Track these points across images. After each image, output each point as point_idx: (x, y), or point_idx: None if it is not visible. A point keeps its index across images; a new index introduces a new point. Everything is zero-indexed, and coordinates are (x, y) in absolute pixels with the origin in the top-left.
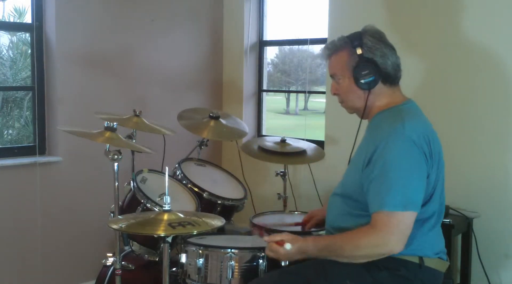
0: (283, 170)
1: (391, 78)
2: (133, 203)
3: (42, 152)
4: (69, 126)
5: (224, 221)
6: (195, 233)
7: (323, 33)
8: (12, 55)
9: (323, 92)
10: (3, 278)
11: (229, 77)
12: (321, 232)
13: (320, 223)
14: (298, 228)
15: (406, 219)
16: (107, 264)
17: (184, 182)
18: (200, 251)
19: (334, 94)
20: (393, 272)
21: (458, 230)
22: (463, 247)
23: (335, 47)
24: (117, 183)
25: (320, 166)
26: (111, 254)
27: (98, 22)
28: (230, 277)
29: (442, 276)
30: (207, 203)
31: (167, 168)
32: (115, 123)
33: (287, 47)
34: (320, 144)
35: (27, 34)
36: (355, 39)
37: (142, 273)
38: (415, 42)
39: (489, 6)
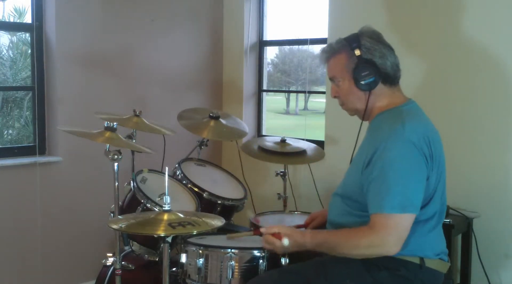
0: (283, 170)
1: (391, 78)
2: (133, 203)
3: (42, 152)
4: (69, 126)
5: (224, 221)
6: (195, 233)
7: (323, 33)
8: (12, 55)
9: (323, 92)
10: (3, 278)
11: (229, 77)
12: None
13: (322, 225)
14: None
15: (404, 221)
16: (107, 264)
17: (184, 182)
18: (200, 251)
19: (335, 97)
20: (393, 272)
21: (458, 230)
22: (463, 247)
23: (333, 50)
24: (117, 183)
25: (320, 166)
26: (111, 254)
27: (98, 22)
28: (230, 277)
29: (442, 277)
30: (207, 203)
31: (167, 168)
32: (115, 123)
33: (287, 47)
34: (320, 144)
35: (27, 34)
36: (353, 41)
37: (142, 273)
38: (415, 42)
39: (489, 6)
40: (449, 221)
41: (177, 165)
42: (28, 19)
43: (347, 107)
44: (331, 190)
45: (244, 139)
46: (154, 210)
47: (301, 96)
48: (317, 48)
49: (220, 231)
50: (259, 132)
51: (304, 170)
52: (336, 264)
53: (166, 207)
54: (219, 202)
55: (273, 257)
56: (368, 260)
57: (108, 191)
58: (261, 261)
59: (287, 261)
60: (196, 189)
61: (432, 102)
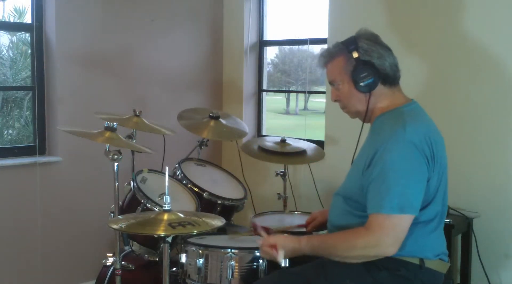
0: (283, 170)
1: (391, 78)
2: (133, 203)
3: (42, 152)
4: (69, 126)
5: (224, 221)
6: (195, 233)
7: (323, 33)
8: (12, 55)
9: (323, 92)
10: (3, 278)
11: (229, 77)
12: (321, 232)
13: (322, 225)
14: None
15: (402, 222)
16: (107, 264)
17: (184, 182)
18: (200, 251)
19: (335, 101)
20: (393, 272)
21: (458, 230)
22: (463, 247)
23: (331, 54)
24: (117, 183)
25: (320, 166)
26: (111, 254)
27: (98, 22)
28: (230, 277)
29: (442, 277)
30: (207, 203)
31: (167, 168)
32: (115, 123)
33: (287, 47)
34: (320, 144)
35: (27, 34)
36: (350, 44)
37: (142, 273)
38: (415, 42)
39: (490, 6)
40: (449, 221)
41: (177, 165)
42: (28, 19)
43: (348, 110)
44: (331, 190)
45: (244, 140)
46: (154, 210)
47: (301, 96)
48: (317, 48)
49: (220, 231)
50: (259, 132)
51: (304, 170)
52: (336, 264)
53: (166, 207)
54: (219, 202)
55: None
56: (368, 261)
57: (108, 191)
58: (261, 261)
59: (287, 262)
60: (196, 189)
61: (432, 103)
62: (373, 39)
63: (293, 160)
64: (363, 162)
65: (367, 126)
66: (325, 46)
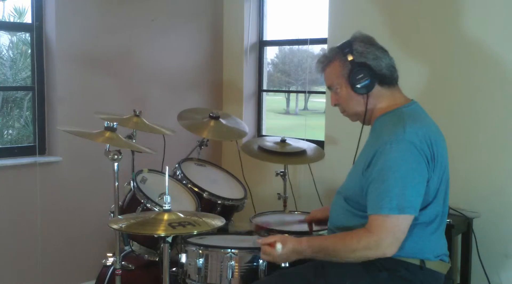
0: (283, 170)
1: (388, 79)
2: (133, 203)
3: (42, 152)
4: (69, 126)
5: (224, 221)
6: (195, 233)
7: (323, 33)
8: (12, 55)
9: (323, 92)
10: (3, 278)
11: (229, 77)
12: (321, 232)
13: (323, 222)
14: (303, 227)
15: (401, 222)
16: (107, 264)
17: (184, 182)
18: (200, 251)
19: (335, 105)
20: (393, 273)
21: (458, 230)
22: (463, 247)
23: (327, 59)
24: (117, 183)
25: (320, 166)
26: (111, 254)
27: (98, 22)
28: (230, 277)
29: (443, 278)
30: (207, 203)
31: (167, 168)
32: (115, 123)
33: (287, 47)
34: (320, 144)
35: (27, 34)
36: (345, 47)
37: (142, 273)
38: (415, 42)
39: (491, 7)
40: (449, 221)
41: (177, 165)
42: (28, 19)
43: (348, 113)
44: (331, 190)
45: (244, 140)
46: (154, 210)
47: (301, 96)
48: (317, 48)
49: (220, 231)
50: (259, 132)
51: (304, 170)
52: (335, 265)
53: (166, 207)
54: (219, 202)
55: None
56: (368, 261)
57: (108, 191)
58: (261, 261)
59: (287, 263)
60: (196, 189)
61: (432, 103)
62: (368, 41)
63: (293, 160)
64: (363, 162)
65: (368, 126)
66: (325, 46)
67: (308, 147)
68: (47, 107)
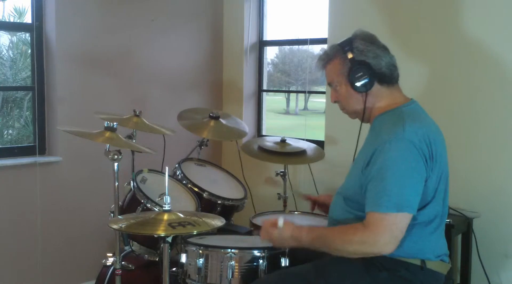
0: (283, 170)
1: (387, 78)
2: (133, 203)
3: (42, 152)
4: (69, 126)
5: (224, 221)
6: (195, 233)
7: (323, 33)
8: (12, 55)
9: (323, 92)
10: (3, 278)
11: (229, 77)
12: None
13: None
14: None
15: (399, 221)
16: (107, 264)
17: (184, 182)
18: (200, 251)
19: (335, 102)
20: (393, 273)
21: (458, 230)
22: (463, 247)
23: (328, 57)
24: (117, 183)
25: (320, 166)
26: (111, 254)
27: (98, 22)
28: (230, 277)
29: (443, 278)
30: (207, 203)
31: (167, 168)
32: (115, 123)
33: (287, 47)
34: (320, 144)
35: (27, 34)
36: (345, 45)
37: (142, 273)
38: (415, 42)
39: (491, 7)
40: (449, 221)
41: (177, 165)
42: (28, 19)
43: (347, 111)
44: (331, 190)
45: (244, 140)
46: (154, 210)
47: (301, 96)
48: (317, 48)
49: (220, 231)
50: (259, 132)
51: (304, 170)
52: (336, 265)
53: (166, 207)
54: (219, 202)
55: (273, 258)
56: (368, 261)
57: (108, 191)
58: (261, 261)
59: (287, 262)
60: (196, 189)
61: (432, 103)
62: (369, 39)
63: (293, 160)
64: (362, 161)
65: (367, 125)
66: (325, 46)
67: (308, 147)
68: (47, 107)
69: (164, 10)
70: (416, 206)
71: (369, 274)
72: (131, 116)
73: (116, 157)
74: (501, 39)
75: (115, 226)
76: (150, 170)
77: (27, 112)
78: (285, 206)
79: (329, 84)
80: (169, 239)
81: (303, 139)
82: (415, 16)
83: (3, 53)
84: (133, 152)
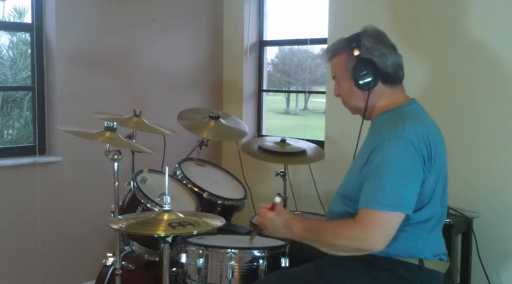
0: (283, 170)
1: (392, 78)
2: (133, 203)
3: (42, 152)
4: (69, 126)
5: (224, 221)
6: (195, 233)
7: (323, 33)
8: (12, 55)
9: (323, 92)
10: (3, 278)
11: (229, 77)
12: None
13: None
14: None
15: (392, 219)
16: (107, 264)
17: (184, 182)
18: (200, 251)
19: (337, 95)
20: (393, 273)
21: (458, 230)
22: (463, 247)
23: (335, 50)
24: (117, 183)
25: (320, 166)
26: (111, 254)
27: (98, 22)
28: (230, 277)
29: (442, 277)
30: (207, 203)
31: (167, 168)
32: (115, 123)
33: (287, 47)
34: (320, 144)
35: (27, 34)
36: (353, 41)
37: (142, 273)
38: (415, 42)
39: (491, 7)
40: (449, 221)
41: (177, 165)
42: (28, 19)
43: (349, 106)
44: (331, 190)
45: (244, 140)
46: (154, 210)
47: (301, 96)
48: (317, 48)
49: (220, 231)
50: (259, 132)
51: (304, 170)
52: (336, 265)
53: (166, 207)
54: (219, 202)
55: (273, 258)
56: (368, 262)
57: (108, 191)
58: (261, 261)
59: (287, 263)
60: (196, 189)
61: (432, 103)
62: (377, 37)
63: (293, 160)
64: (361, 159)
65: (367, 124)
66: (325, 46)
67: (308, 147)
68: (47, 107)
69: (164, 10)
70: (412, 205)
71: (369, 274)
72: (131, 116)
73: (116, 157)
74: (501, 39)
75: (115, 226)
76: (150, 170)
77: (27, 112)
78: (285, 206)
79: (333, 77)
80: (169, 239)
81: (303, 139)
82: (415, 16)
83: (3, 53)
84: (133, 152)
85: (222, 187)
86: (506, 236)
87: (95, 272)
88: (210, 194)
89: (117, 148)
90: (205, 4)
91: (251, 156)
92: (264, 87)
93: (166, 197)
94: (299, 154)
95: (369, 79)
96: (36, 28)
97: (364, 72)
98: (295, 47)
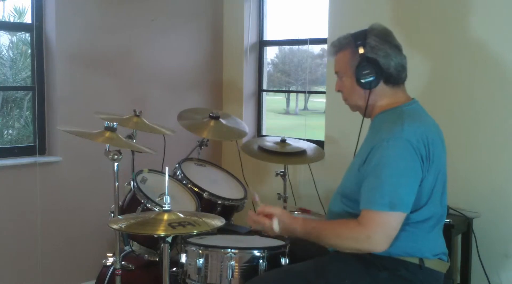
0: (283, 170)
1: (394, 78)
2: (133, 203)
3: (42, 152)
4: (69, 126)
5: (224, 221)
6: (195, 233)
7: (323, 33)
8: (12, 55)
9: (323, 92)
10: (3, 278)
11: (229, 77)
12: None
13: None
14: None
15: (392, 219)
16: (107, 264)
17: (184, 182)
18: (200, 251)
19: (338, 91)
20: (393, 273)
21: (458, 230)
22: (463, 247)
23: (340, 45)
24: (117, 183)
25: (320, 166)
26: (111, 254)
27: (98, 22)
28: (230, 277)
29: (442, 277)
30: (207, 203)
31: (167, 168)
32: (115, 123)
33: (287, 47)
34: (320, 144)
35: (27, 34)
36: (358, 38)
37: (142, 273)
38: (416, 42)
39: (491, 7)
40: (449, 221)
41: (177, 165)
42: (28, 19)
43: (349, 103)
44: (331, 190)
45: (244, 140)
46: (154, 210)
47: (301, 96)
48: (317, 48)
49: (220, 231)
50: (259, 132)
51: (304, 170)
52: (336, 264)
53: (166, 207)
54: (219, 202)
55: (273, 258)
56: (368, 261)
57: (108, 191)
58: (261, 261)
59: (287, 261)
60: (196, 189)
61: (432, 102)
62: (383, 36)
63: (293, 160)
64: (360, 159)
65: (366, 124)
66: (325, 46)
67: (308, 147)
68: (47, 107)
69: (164, 10)
70: (411, 205)
71: (369, 274)
72: (131, 116)
73: (116, 157)
74: (501, 39)
75: (115, 226)
76: (150, 170)
77: (27, 112)
78: (285, 206)
79: (336, 72)
80: (169, 239)
81: (303, 139)
82: (415, 16)
83: (3, 53)
84: (133, 152)
85: (222, 187)
86: (506, 236)
87: (95, 272)
88: (210, 194)
89: (117, 148)
90: (205, 4)
91: (251, 156)
92: (264, 87)
93: (166, 197)
94: (299, 154)
95: (371, 78)
96: (36, 28)
97: (367, 71)
98: (295, 47)
